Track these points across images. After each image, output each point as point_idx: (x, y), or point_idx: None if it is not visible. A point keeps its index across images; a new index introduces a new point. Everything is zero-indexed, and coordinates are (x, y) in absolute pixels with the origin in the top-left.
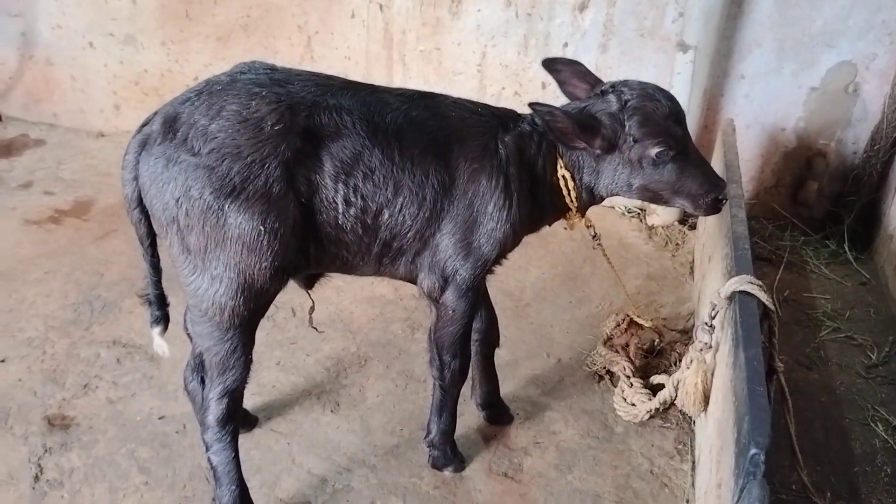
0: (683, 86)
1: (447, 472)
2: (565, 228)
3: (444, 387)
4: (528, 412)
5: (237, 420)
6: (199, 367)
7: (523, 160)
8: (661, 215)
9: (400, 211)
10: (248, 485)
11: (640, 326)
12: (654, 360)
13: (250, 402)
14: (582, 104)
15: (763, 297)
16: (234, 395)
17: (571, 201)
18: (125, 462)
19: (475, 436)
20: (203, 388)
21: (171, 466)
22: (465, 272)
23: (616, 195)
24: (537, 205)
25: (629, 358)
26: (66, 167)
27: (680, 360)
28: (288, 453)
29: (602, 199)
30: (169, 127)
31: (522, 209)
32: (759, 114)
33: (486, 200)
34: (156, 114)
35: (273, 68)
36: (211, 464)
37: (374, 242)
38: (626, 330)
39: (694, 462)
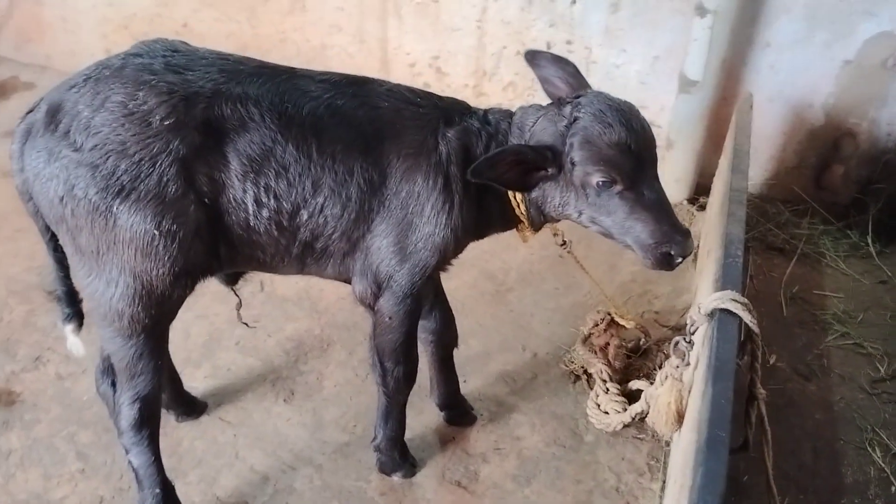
0: (700, 53)
1: (396, 478)
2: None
3: (387, 393)
4: (493, 413)
5: (154, 423)
6: (108, 370)
7: (469, 159)
8: (670, 192)
9: (320, 212)
10: (186, 479)
11: (622, 326)
12: (637, 360)
13: (203, 384)
14: (533, 116)
15: (747, 318)
16: (146, 401)
17: (522, 214)
18: (64, 446)
19: (432, 437)
20: (114, 392)
21: (110, 453)
22: (400, 278)
23: (568, 219)
24: (484, 211)
25: (607, 360)
26: None
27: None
28: (233, 446)
29: (554, 219)
30: (52, 117)
31: (466, 214)
32: (785, 87)
33: (423, 201)
34: (42, 99)
35: (175, 50)
36: (132, 466)
37: (292, 244)
38: (605, 329)
39: (664, 482)
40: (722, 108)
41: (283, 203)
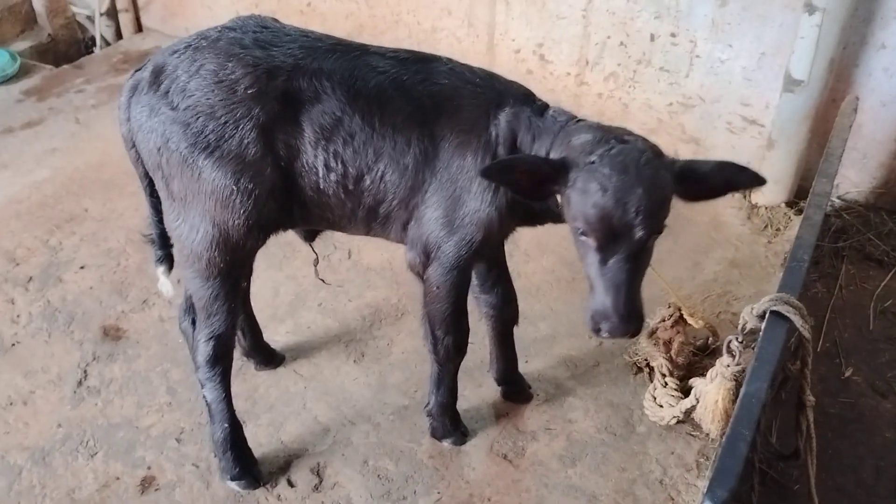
0: (806, 52)
1: (446, 444)
2: None
3: (438, 361)
4: (550, 394)
5: (227, 361)
6: (190, 309)
7: (514, 145)
8: (767, 193)
9: (381, 178)
10: (258, 421)
11: (689, 324)
12: (704, 359)
13: (284, 339)
14: (582, 135)
15: (798, 321)
16: (221, 339)
17: None
18: (157, 380)
19: (487, 410)
20: (194, 330)
21: (194, 391)
22: (448, 249)
23: None
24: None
25: (669, 355)
26: None
27: None
28: (302, 397)
29: None
30: (155, 77)
31: (511, 196)
32: None
33: (471, 178)
34: (149, 60)
35: (265, 26)
36: (206, 400)
37: (357, 207)
38: (672, 325)
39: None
40: (830, 110)
41: (349, 168)
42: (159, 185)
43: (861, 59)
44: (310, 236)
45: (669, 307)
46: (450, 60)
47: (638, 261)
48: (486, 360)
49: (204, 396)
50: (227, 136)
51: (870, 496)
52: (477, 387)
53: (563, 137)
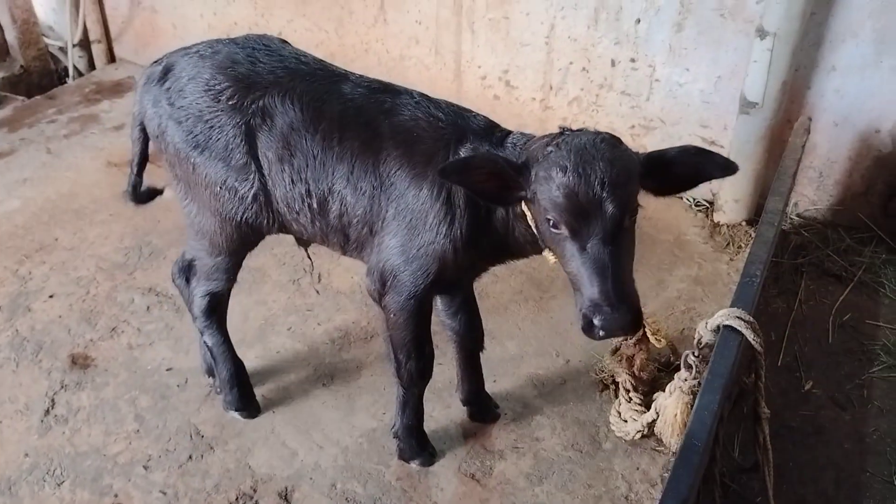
0: (759, 75)
1: (414, 465)
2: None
3: (402, 385)
4: (517, 413)
5: (222, 310)
6: (186, 268)
7: None
8: (729, 212)
9: (342, 201)
10: (226, 447)
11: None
12: (668, 375)
13: (252, 364)
14: (523, 139)
15: (749, 335)
16: (215, 296)
17: (539, 239)
18: (125, 408)
19: (455, 430)
20: (189, 286)
21: (163, 418)
22: (404, 278)
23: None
24: (496, 231)
25: (632, 371)
26: None
27: None
28: (270, 422)
29: None
30: (164, 73)
31: (469, 230)
32: (851, 111)
33: (427, 209)
34: (165, 56)
35: (266, 45)
36: (207, 346)
37: (327, 228)
38: (635, 343)
39: None
40: (785, 131)
41: (311, 187)
42: (167, 166)
43: (813, 82)
44: (305, 242)
45: None
46: (420, 95)
47: (617, 243)
48: (454, 381)
49: (205, 342)
50: (213, 138)
51: None
52: (445, 407)
53: (522, 153)
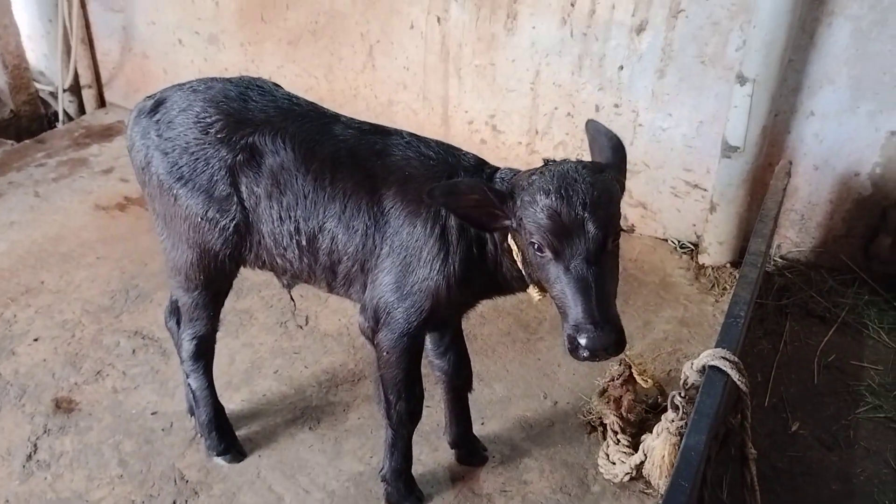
0: (740, 120)
1: None
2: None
3: (392, 426)
4: (505, 456)
5: (209, 356)
6: (175, 311)
7: None
8: (713, 254)
9: (332, 239)
10: (210, 492)
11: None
12: (655, 417)
13: (239, 407)
14: (511, 174)
15: (735, 375)
16: (202, 339)
17: (521, 269)
18: (109, 452)
19: (443, 474)
20: (178, 329)
21: (147, 463)
22: (398, 315)
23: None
24: (486, 268)
25: (620, 413)
26: None
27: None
28: (256, 466)
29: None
30: (156, 106)
31: (461, 265)
32: (830, 156)
33: (420, 246)
34: (160, 91)
35: (259, 86)
36: (191, 388)
37: (314, 264)
38: (622, 384)
39: None
40: (767, 174)
41: (301, 225)
42: (147, 199)
43: (792, 126)
44: (289, 284)
45: (620, 365)
46: (410, 135)
47: (601, 265)
48: (442, 424)
49: (189, 385)
50: (198, 170)
51: None
52: (433, 451)
53: (507, 184)
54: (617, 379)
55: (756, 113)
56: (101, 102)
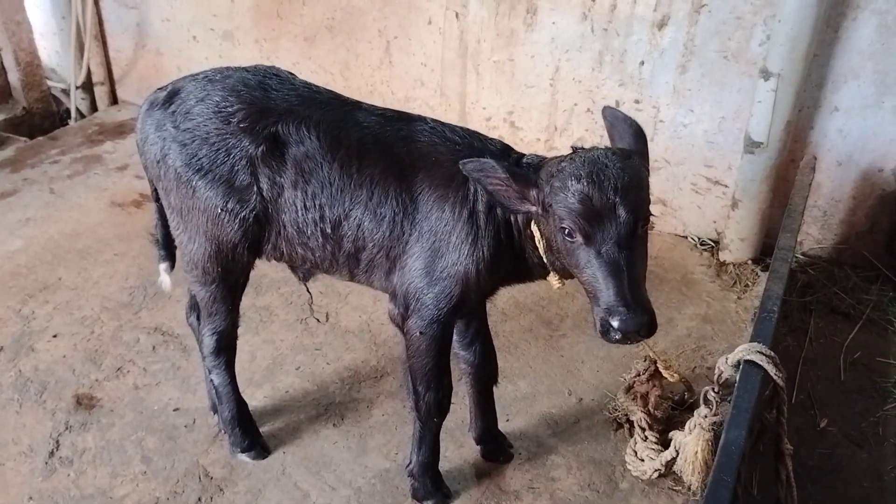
0: (764, 115)
1: None
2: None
3: (420, 418)
4: (532, 453)
5: (230, 352)
6: (195, 306)
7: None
8: (735, 251)
9: (359, 226)
10: (235, 489)
11: (665, 378)
12: (682, 413)
13: (261, 403)
14: (537, 160)
15: (771, 370)
16: (222, 334)
17: (542, 255)
18: (132, 449)
19: (469, 470)
20: (199, 324)
21: (170, 459)
22: (428, 301)
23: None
24: (514, 253)
25: (647, 409)
26: None
27: None
28: (280, 463)
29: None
30: (169, 97)
31: (490, 250)
32: (854, 151)
33: (450, 230)
34: (171, 82)
35: (276, 74)
36: (213, 384)
37: (338, 251)
38: (648, 379)
39: None
40: (789, 170)
41: (326, 212)
42: (161, 194)
43: (816, 122)
44: (305, 276)
45: (645, 361)
46: (433, 121)
47: (632, 249)
48: (467, 420)
49: (211, 380)
50: (218, 161)
51: None
52: (458, 447)
53: (534, 170)
54: (643, 374)
55: (780, 108)
56: (114, 100)
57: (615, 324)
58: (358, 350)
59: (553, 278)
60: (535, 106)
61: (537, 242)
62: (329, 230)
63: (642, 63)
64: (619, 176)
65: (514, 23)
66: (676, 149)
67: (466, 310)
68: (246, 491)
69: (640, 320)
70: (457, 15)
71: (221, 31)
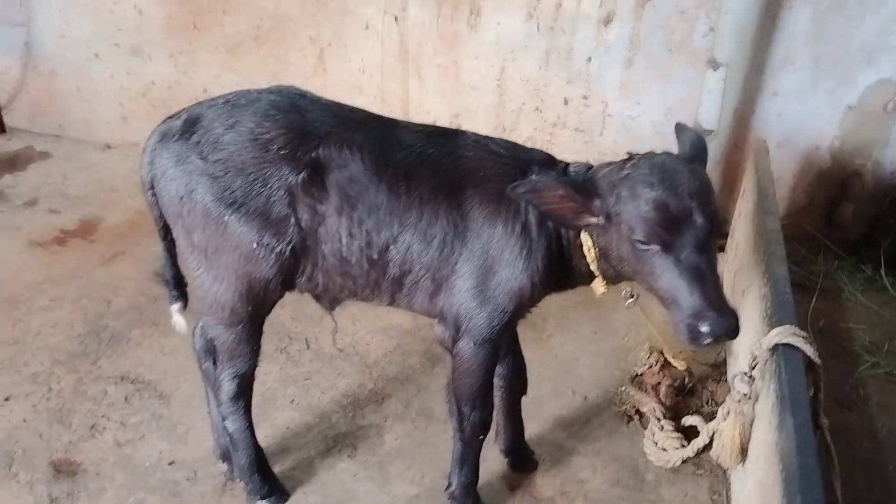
0: (714, 103)
1: None
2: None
3: (463, 439)
4: (555, 457)
5: (249, 395)
6: (210, 350)
7: None
8: None
9: (408, 249)
10: None
11: (672, 366)
12: (685, 399)
13: (264, 443)
14: (603, 169)
15: (809, 350)
16: (243, 377)
17: (595, 268)
18: None
19: (499, 484)
20: (216, 369)
21: None
22: (480, 321)
23: (627, 276)
24: (562, 262)
25: (659, 399)
26: (72, 182)
27: (712, 400)
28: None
29: (627, 274)
30: (189, 126)
31: (542, 261)
32: (792, 132)
33: (502, 246)
34: (183, 110)
35: (303, 94)
36: (227, 431)
37: (382, 277)
38: (659, 370)
39: None
40: (734, 155)
41: (374, 237)
42: (178, 233)
43: (757, 106)
44: (331, 305)
45: (652, 353)
46: (474, 134)
47: (710, 253)
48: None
49: (226, 427)
50: (254, 193)
51: None
52: (482, 462)
53: (587, 180)
54: (655, 366)
55: (729, 96)
56: (1, 128)
57: (704, 329)
58: (350, 374)
59: (599, 284)
60: (481, 107)
61: (586, 251)
62: (376, 256)
63: (589, 59)
64: (691, 181)
65: (458, 25)
66: (625, 142)
67: (515, 325)
68: None
69: (729, 323)
70: (396, 19)
71: (128, 45)
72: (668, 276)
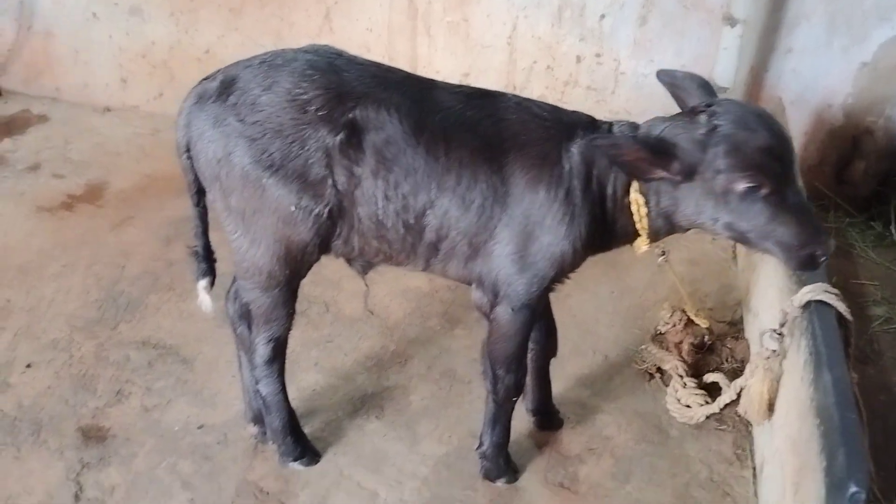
0: (730, 61)
1: (500, 484)
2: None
3: (497, 401)
4: (579, 416)
5: (282, 360)
6: (245, 315)
7: (590, 174)
8: None
9: (445, 214)
10: (297, 500)
11: (695, 324)
12: (705, 356)
13: (292, 405)
14: (661, 125)
15: (841, 307)
16: (278, 341)
17: (642, 227)
18: (167, 477)
19: (527, 442)
20: (250, 333)
21: (216, 482)
22: (518, 287)
23: (699, 228)
24: (605, 225)
25: (681, 357)
26: (74, 147)
27: (731, 357)
28: (335, 465)
29: (683, 229)
30: (225, 88)
31: (585, 227)
32: (805, 90)
33: (544, 212)
34: (219, 71)
35: (339, 54)
36: (261, 394)
37: (418, 242)
38: (683, 328)
39: (755, 469)
40: None
41: (410, 201)
42: (215, 196)
43: (771, 64)
44: (364, 269)
45: (673, 312)
46: (515, 96)
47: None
48: None
49: (259, 391)
50: (292, 155)
51: (888, 456)
52: None
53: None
54: (679, 324)
55: (745, 53)
56: None
57: (821, 251)
58: (372, 337)
59: (642, 242)
60: (492, 66)
61: (635, 209)
62: (412, 220)
63: (602, 16)
64: (775, 122)
65: None
66: (638, 100)
67: (553, 290)
68: (310, 501)
69: (833, 243)
70: None
71: (127, 5)
72: (777, 215)
